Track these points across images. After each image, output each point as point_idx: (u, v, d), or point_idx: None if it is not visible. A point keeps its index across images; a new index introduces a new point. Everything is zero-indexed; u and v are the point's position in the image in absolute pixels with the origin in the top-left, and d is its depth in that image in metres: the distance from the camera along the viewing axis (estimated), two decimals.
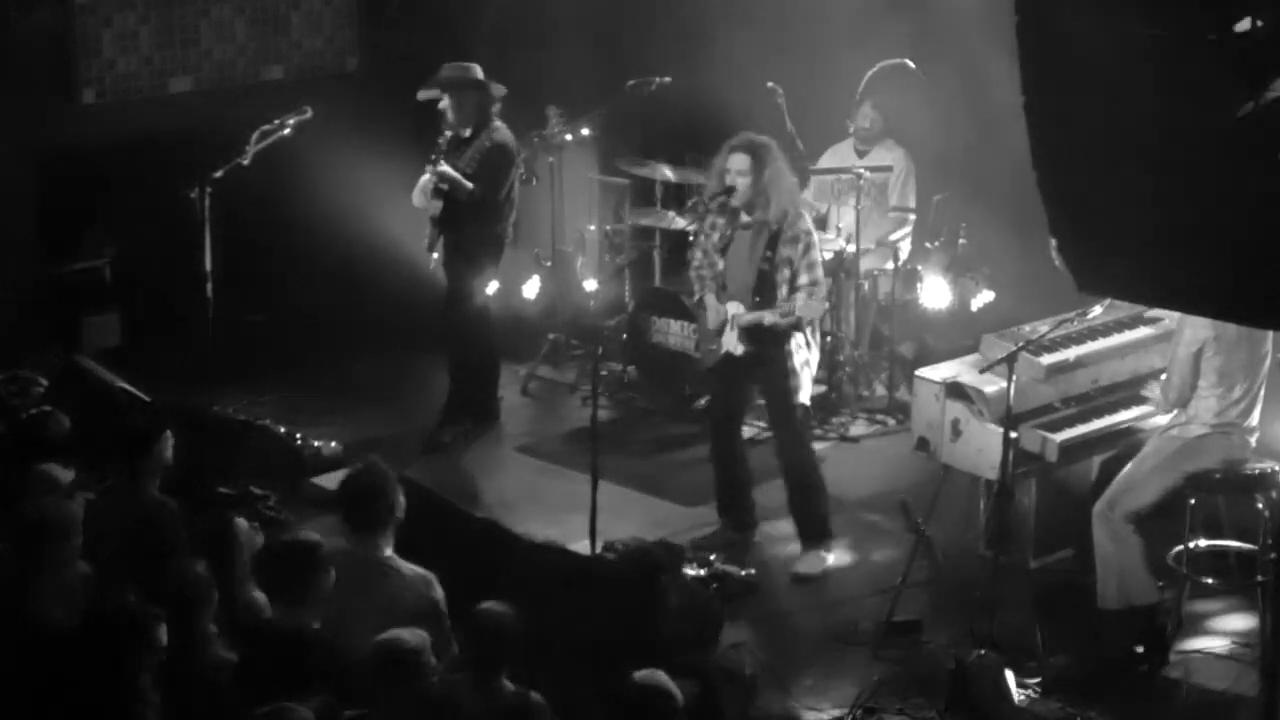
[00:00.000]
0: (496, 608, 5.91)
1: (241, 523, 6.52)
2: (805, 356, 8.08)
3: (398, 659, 5.63)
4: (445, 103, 9.37)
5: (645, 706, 5.58)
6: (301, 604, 6.03)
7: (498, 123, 9.44)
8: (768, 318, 7.93)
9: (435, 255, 9.53)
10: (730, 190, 8.12)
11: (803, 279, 7.96)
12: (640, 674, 5.65)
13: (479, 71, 9.46)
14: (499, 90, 9.45)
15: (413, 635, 5.72)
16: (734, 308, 8.08)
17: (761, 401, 8.62)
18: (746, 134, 8.19)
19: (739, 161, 7.99)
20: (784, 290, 7.97)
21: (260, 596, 6.35)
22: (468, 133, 9.38)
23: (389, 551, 6.37)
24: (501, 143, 9.41)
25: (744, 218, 8.09)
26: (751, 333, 8.04)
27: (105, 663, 5.55)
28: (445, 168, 9.26)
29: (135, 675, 5.55)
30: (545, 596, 6.81)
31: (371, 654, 5.67)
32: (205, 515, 6.70)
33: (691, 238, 10.28)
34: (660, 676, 5.65)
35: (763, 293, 8.00)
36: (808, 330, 8.11)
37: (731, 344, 8.11)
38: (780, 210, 7.97)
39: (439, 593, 6.26)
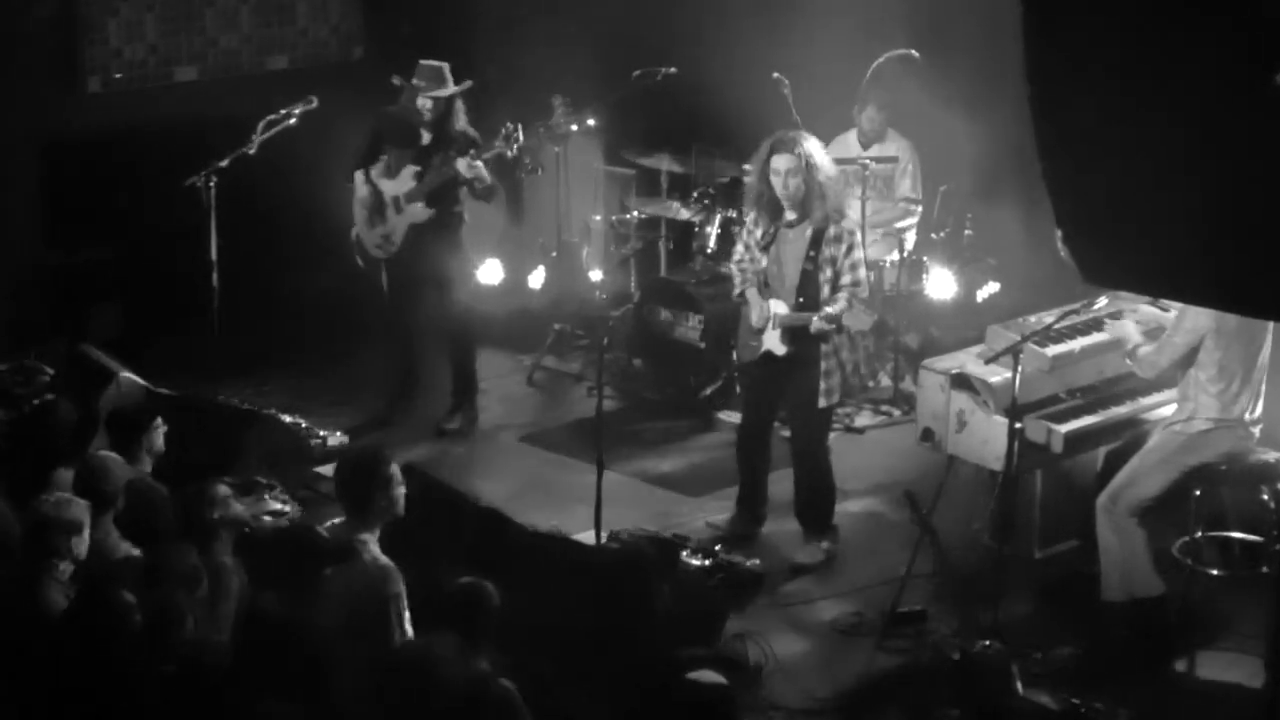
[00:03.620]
0: (474, 581, 5.88)
1: (222, 489, 6.51)
2: (844, 356, 8.04)
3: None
4: (430, 104, 9.29)
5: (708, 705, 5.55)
6: (300, 592, 6.04)
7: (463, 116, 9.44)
8: (815, 322, 7.82)
9: (385, 256, 9.52)
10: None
11: (845, 279, 7.89)
12: (698, 674, 5.61)
13: (449, 74, 9.38)
14: (465, 85, 9.42)
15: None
16: (777, 306, 8.02)
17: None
18: (789, 132, 8.07)
19: (786, 161, 7.86)
20: (827, 290, 7.90)
21: (228, 561, 6.37)
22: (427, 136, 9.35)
23: (364, 536, 6.30)
24: (470, 133, 9.39)
25: (788, 215, 8.00)
26: (794, 333, 7.99)
27: (88, 648, 5.57)
28: (479, 164, 9.20)
29: (118, 659, 5.55)
30: (547, 586, 6.82)
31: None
32: (187, 484, 6.67)
33: (692, 228, 10.32)
34: (712, 675, 5.61)
35: (807, 292, 7.93)
36: (854, 338, 8.08)
37: (773, 343, 8.05)
38: (831, 209, 7.91)
39: (394, 588, 6.16)
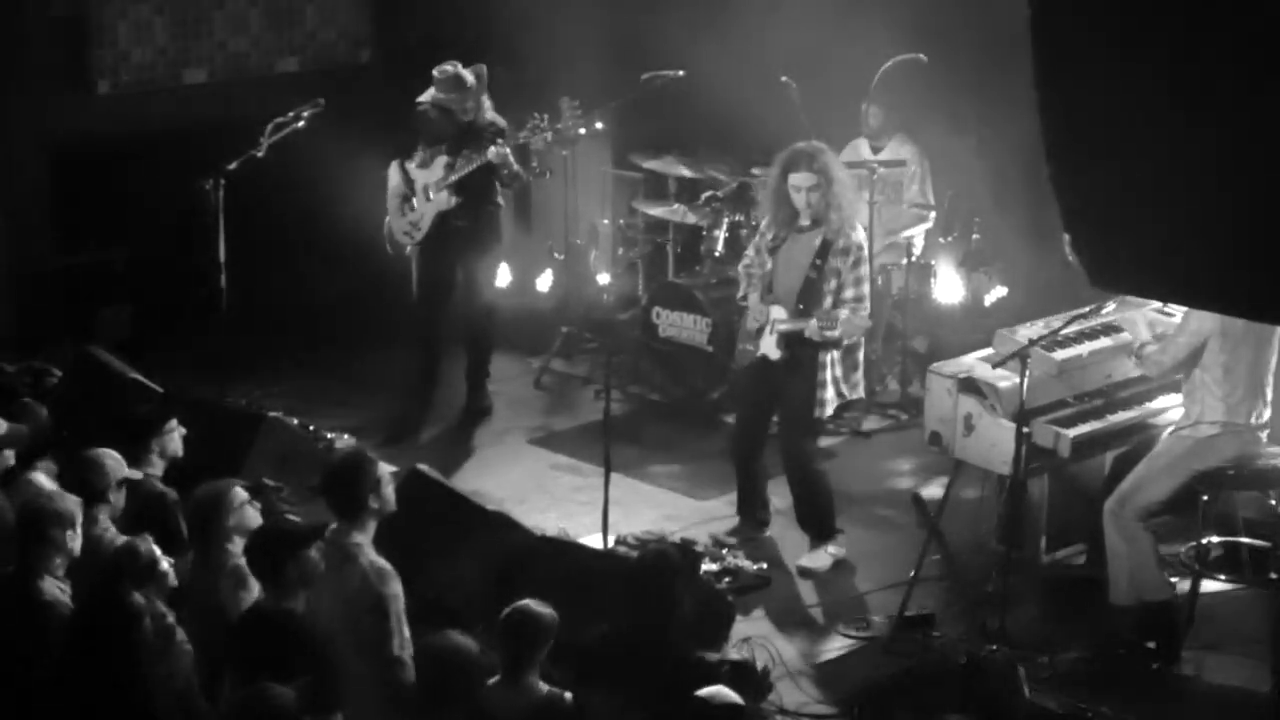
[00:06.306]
0: (534, 606, 5.90)
1: (239, 493, 6.50)
2: (838, 372, 8.03)
3: (450, 673, 5.58)
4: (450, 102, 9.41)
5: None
6: (285, 588, 6.03)
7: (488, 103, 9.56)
8: (809, 329, 7.81)
9: (412, 243, 9.64)
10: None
11: (848, 293, 7.89)
12: (707, 691, 5.61)
13: (465, 71, 9.45)
14: (481, 71, 9.50)
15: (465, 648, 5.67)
16: (777, 312, 8.01)
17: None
18: (804, 147, 8.02)
19: (806, 179, 7.86)
20: (829, 301, 7.88)
21: (244, 565, 6.36)
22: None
23: (358, 538, 6.31)
24: (499, 123, 9.53)
25: (802, 221, 8.00)
26: (789, 338, 7.99)
27: (101, 650, 5.58)
28: (506, 150, 9.32)
29: (132, 662, 5.56)
30: (556, 591, 6.80)
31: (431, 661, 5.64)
32: (201, 482, 6.67)
33: (700, 232, 10.33)
34: (726, 693, 5.61)
35: (807, 300, 7.91)
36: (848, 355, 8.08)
37: (769, 348, 8.04)
38: (842, 220, 7.91)
39: (392, 589, 6.14)
